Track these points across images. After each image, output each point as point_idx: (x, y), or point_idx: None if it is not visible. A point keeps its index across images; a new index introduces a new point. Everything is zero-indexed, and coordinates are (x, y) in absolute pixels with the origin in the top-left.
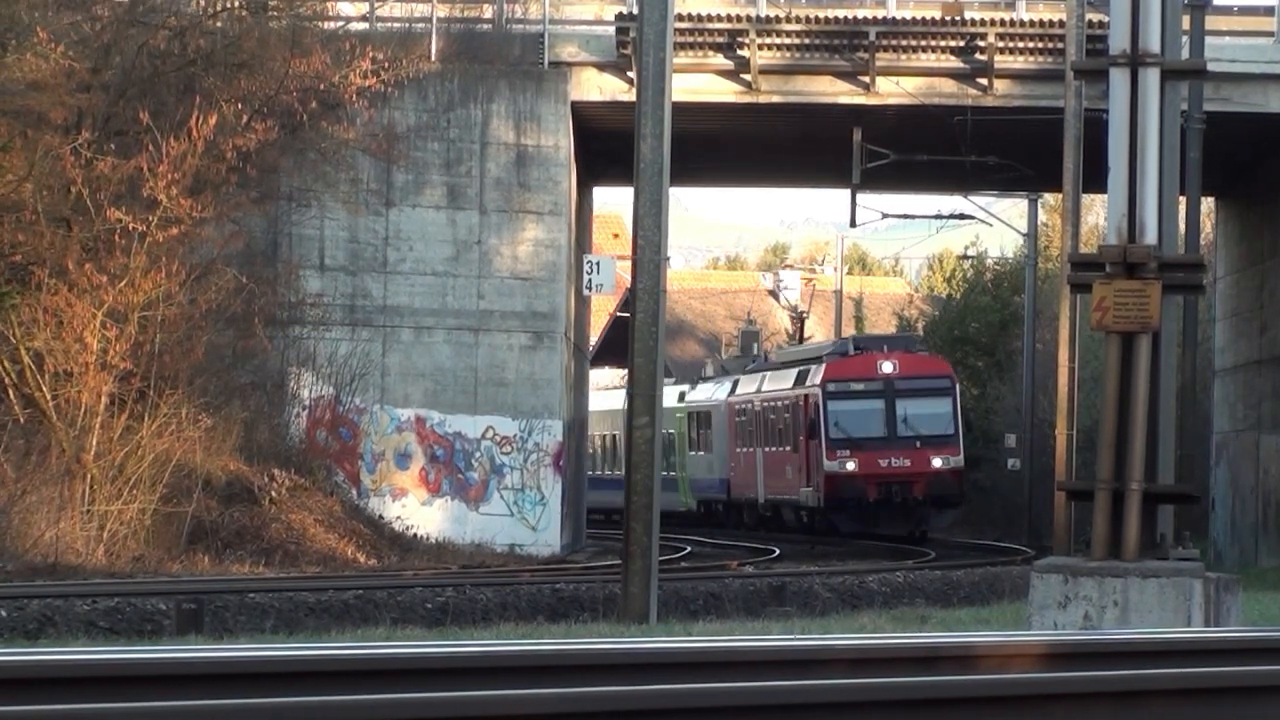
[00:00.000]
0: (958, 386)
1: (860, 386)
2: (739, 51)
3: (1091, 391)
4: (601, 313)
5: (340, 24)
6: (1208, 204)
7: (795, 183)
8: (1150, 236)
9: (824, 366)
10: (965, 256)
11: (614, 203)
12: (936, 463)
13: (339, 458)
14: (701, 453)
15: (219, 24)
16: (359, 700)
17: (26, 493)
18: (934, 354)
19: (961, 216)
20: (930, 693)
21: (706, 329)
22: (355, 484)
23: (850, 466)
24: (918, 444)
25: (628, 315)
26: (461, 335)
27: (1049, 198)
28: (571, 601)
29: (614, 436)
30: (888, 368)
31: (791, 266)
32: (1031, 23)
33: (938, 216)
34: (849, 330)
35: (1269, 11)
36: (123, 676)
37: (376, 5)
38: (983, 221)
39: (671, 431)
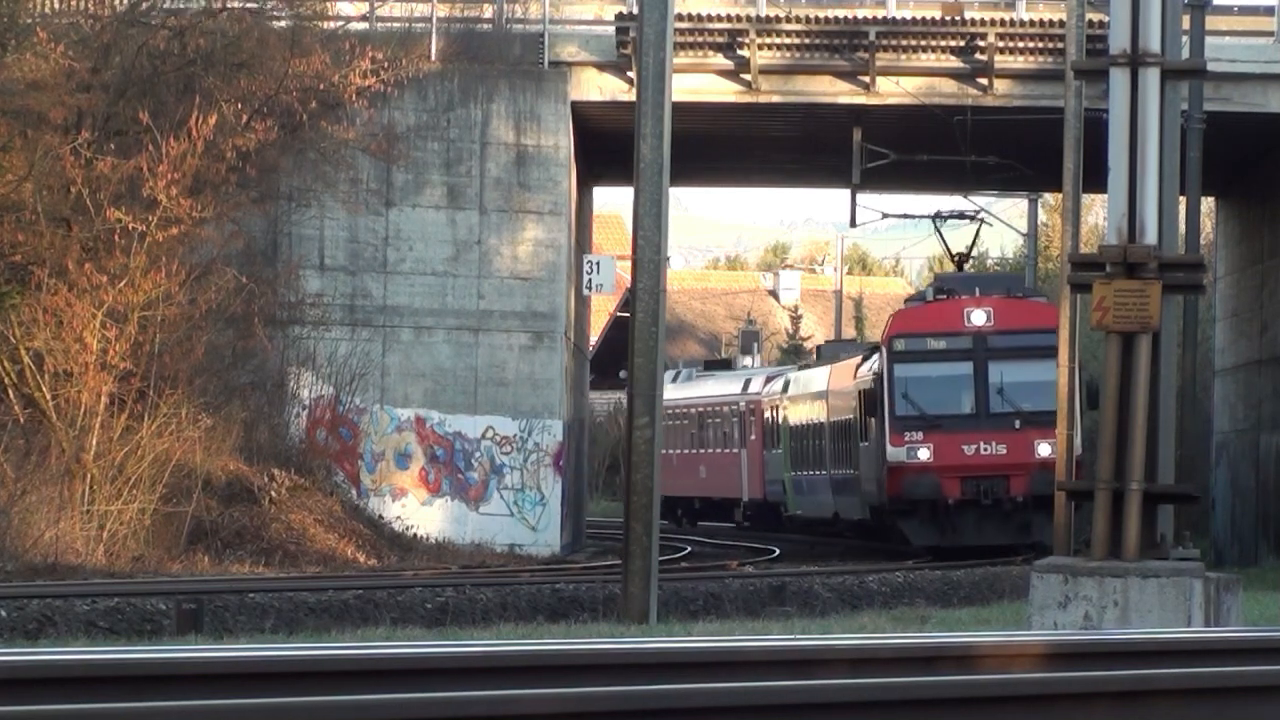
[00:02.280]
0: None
1: (940, 344)
2: (739, 51)
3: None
4: (601, 313)
5: (340, 24)
6: (1208, 204)
7: (795, 183)
8: (1150, 236)
9: (892, 319)
10: (963, 257)
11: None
12: (1044, 450)
13: (339, 458)
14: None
15: (219, 24)
16: (359, 700)
17: (26, 493)
18: (1044, 299)
19: (961, 216)
20: (930, 693)
21: (706, 329)
22: (355, 484)
23: (923, 455)
24: (1017, 424)
25: (628, 315)
26: (461, 335)
27: (1049, 198)
28: (571, 601)
29: (825, 424)
30: (979, 318)
31: (791, 266)
32: (1031, 23)
33: (938, 216)
34: (849, 333)
35: (1269, 11)
36: (123, 676)
37: (376, 5)
38: (983, 221)
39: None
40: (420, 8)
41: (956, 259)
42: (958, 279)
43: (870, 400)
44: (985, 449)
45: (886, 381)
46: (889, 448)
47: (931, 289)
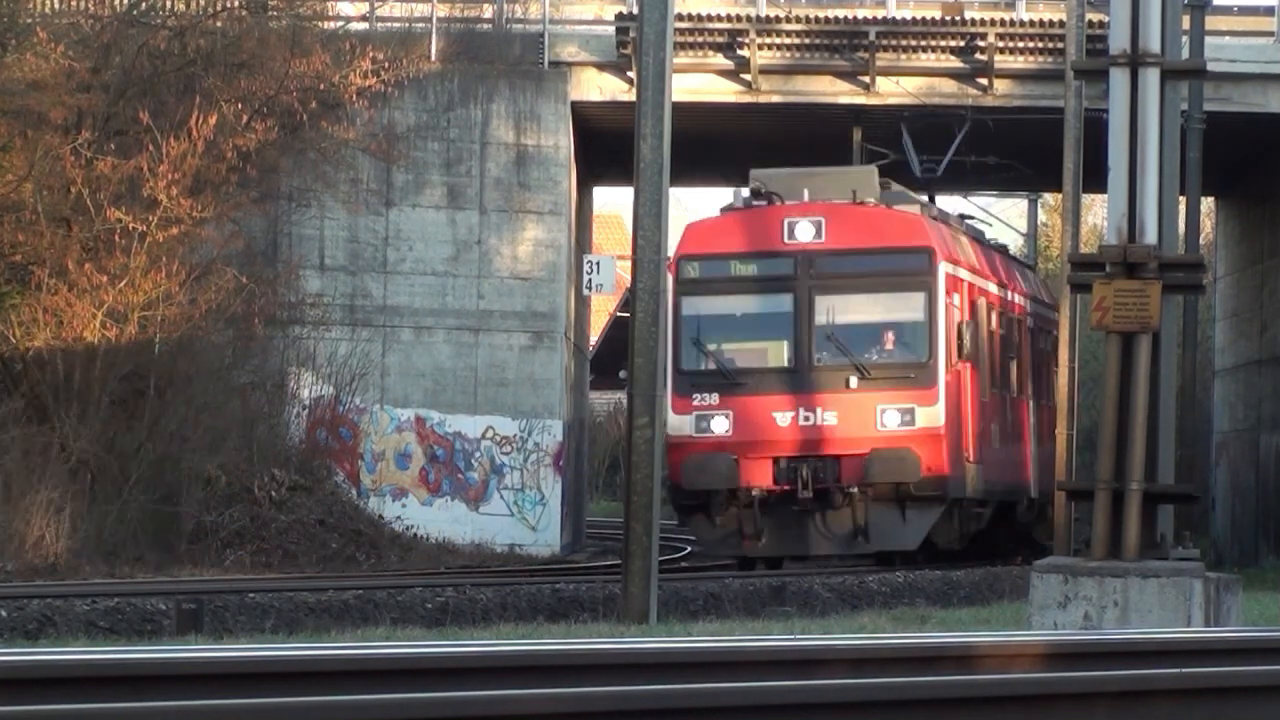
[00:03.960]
0: (956, 269)
1: (748, 269)
2: (739, 51)
3: (1091, 391)
4: (601, 313)
5: (340, 24)
6: (1208, 204)
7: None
8: (1150, 236)
9: (684, 234)
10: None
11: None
12: (893, 420)
13: (339, 458)
14: None
15: (219, 24)
16: (359, 700)
17: (26, 492)
18: (915, 205)
19: (961, 216)
20: (930, 693)
21: None
22: (355, 484)
23: (718, 427)
24: (853, 381)
25: (627, 315)
26: (462, 335)
27: (1049, 198)
28: (571, 601)
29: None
30: (806, 232)
31: None
32: (1031, 23)
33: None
34: None
35: (1269, 11)
36: (123, 676)
37: (376, 5)
38: (983, 221)
39: None
40: (420, 8)
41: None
42: (780, 176)
43: None
44: (808, 418)
45: (671, 323)
46: (670, 416)
47: (750, 191)
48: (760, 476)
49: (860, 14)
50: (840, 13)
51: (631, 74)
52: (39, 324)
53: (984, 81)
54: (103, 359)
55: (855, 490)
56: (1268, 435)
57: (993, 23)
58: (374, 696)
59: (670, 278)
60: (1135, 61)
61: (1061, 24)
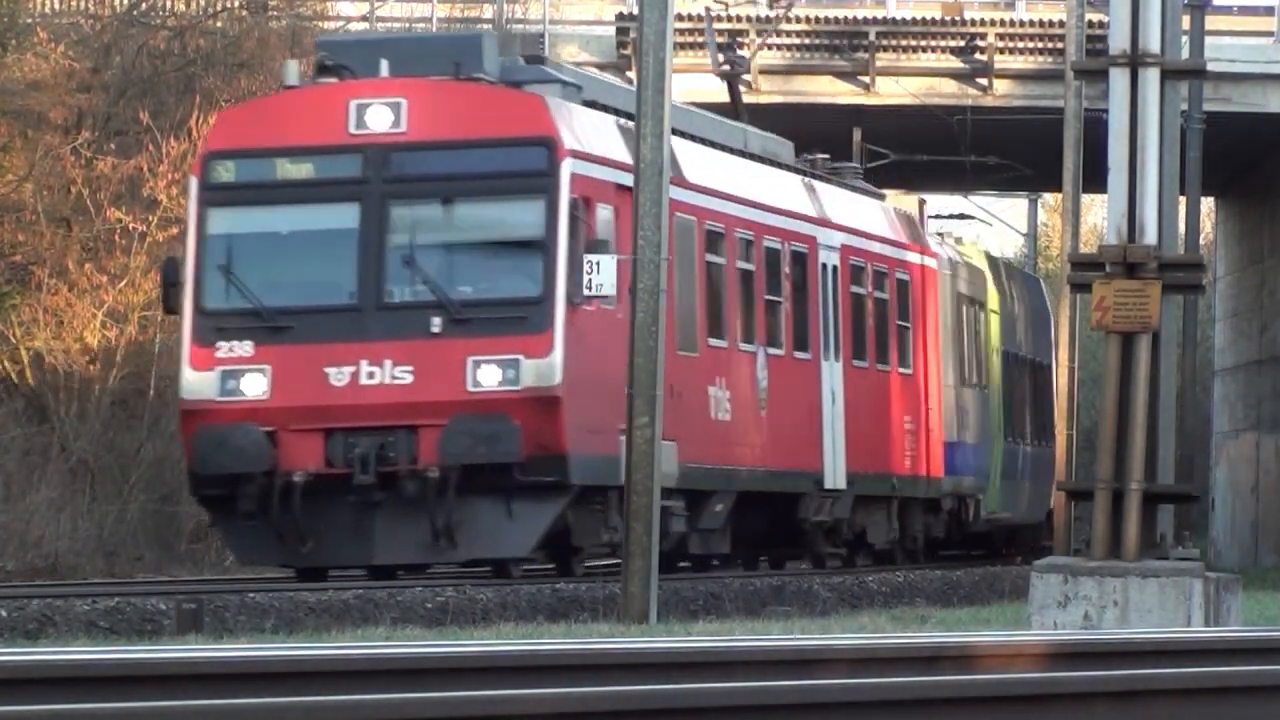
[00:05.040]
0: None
1: (300, 170)
2: (739, 51)
3: (1091, 391)
4: None
5: (340, 24)
6: (1208, 204)
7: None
8: (1150, 236)
9: (214, 123)
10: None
11: None
12: (490, 378)
13: None
14: None
15: (219, 24)
16: (359, 700)
17: (26, 493)
18: (553, 85)
19: (961, 216)
20: (930, 693)
21: None
22: None
23: (251, 388)
24: (437, 325)
25: None
26: None
27: (1049, 198)
28: (571, 601)
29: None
30: (381, 119)
31: None
32: (1031, 23)
33: (936, 217)
34: None
35: (1269, 11)
36: (123, 676)
37: (376, 5)
38: (983, 221)
39: None
40: (420, 8)
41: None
42: (354, 44)
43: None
44: (374, 375)
45: (193, 244)
46: (186, 372)
47: (318, 62)
48: (306, 456)
49: (860, 14)
50: (840, 13)
51: (631, 74)
52: (39, 324)
53: (984, 81)
54: (103, 359)
55: (435, 474)
56: (1268, 435)
57: (993, 23)
58: (374, 696)
59: (195, 182)
60: (1135, 61)
61: (1061, 24)
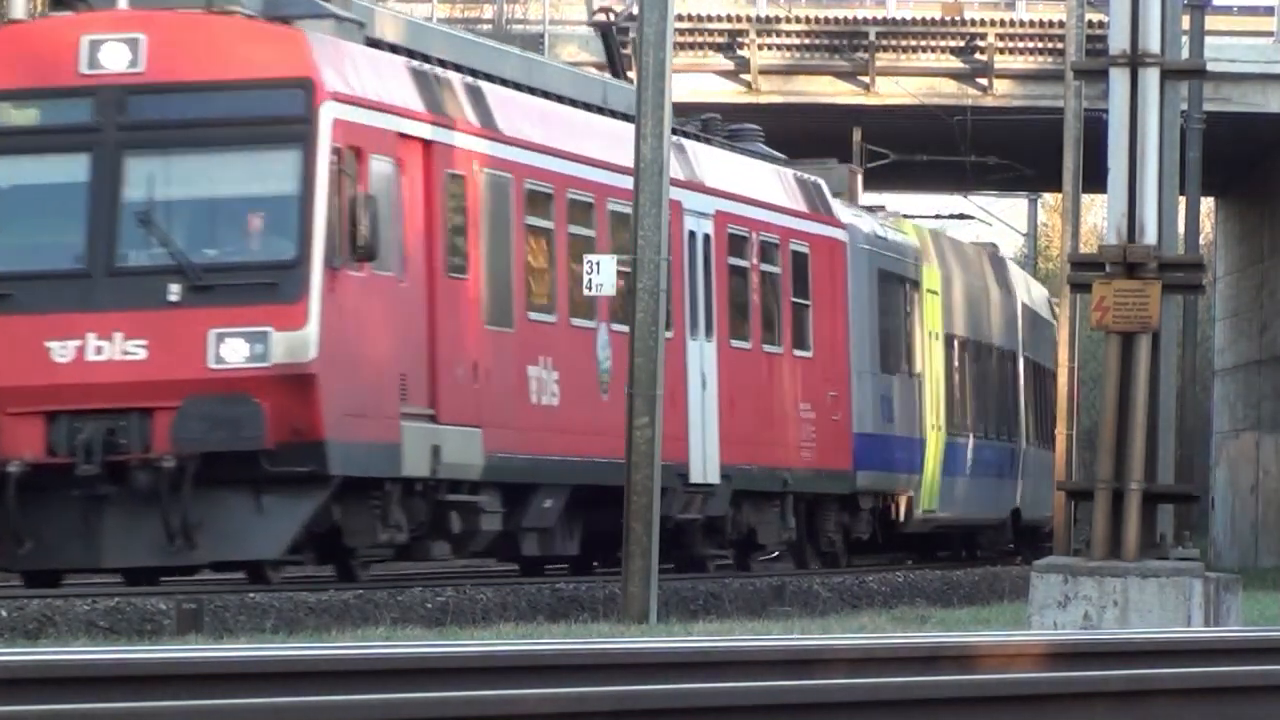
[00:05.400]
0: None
1: (23, 116)
2: (739, 51)
3: (1091, 391)
4: None
5: None
6: (1208, 204)
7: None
8: (1150, 236)
9: None
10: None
11: None
12: (236, 353)
13: None
14: None
15: None
16: (359, 700)
17: None
18: (321, 23)
19: (961, 216)
20: (930, 693)
21: None
22: None
23: None
24: (175, 293)
25: None
26: None
27: (1049, 198)
28: (571, 601)
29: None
30: (117, 57)
31: None
32: (1031, 23)
33: (936, 217)
34: None
35: (1269, 11)
36: (123, 676)
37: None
38: (982, 221)
39: None
40: (420, 8)
41: None
42: None
43: None
44: (103, 350)
45: None
46: None
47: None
48: (24, 442)
49: (860, 14)
50: (840, 13)
51: (631, 74)
52: None
53: (984, 81)
54: None
55: (170, 464)
56: (1268, 435)
57: (993, 23)
58: (374, 696)
59: None
60: (1135, 62)
61: (1061, 24)
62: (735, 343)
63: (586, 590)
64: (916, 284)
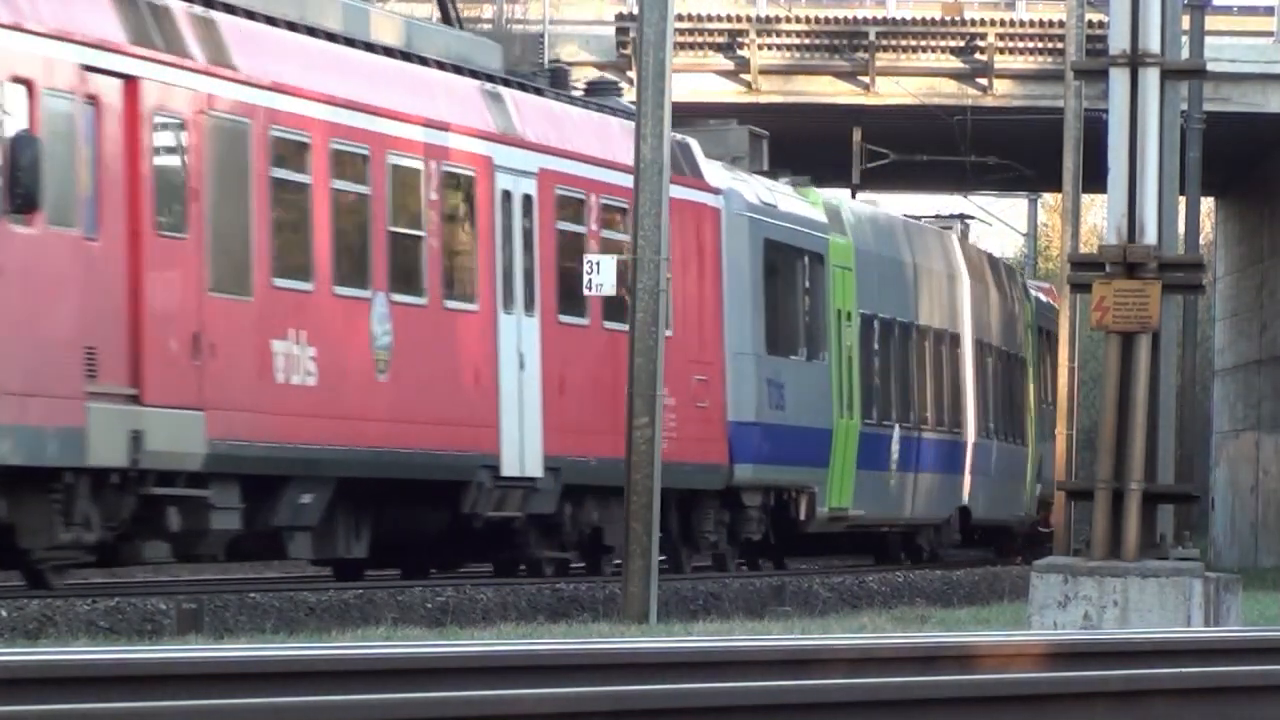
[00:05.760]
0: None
1: None
2: (739, 51)
3: (1091, 391)
4: None
5: None
6: (1208, 204)
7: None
8: (1150, 236)
9: None
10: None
11: None
12: None
13: None
14: None
15: None
16: (359, 700)
17: None
18: None
19: (961, 216)
20: (930, 693)
21: None
22: None
23: None
24: None
25: None
26: None
27: (1049, 198)
28: (571, 601)
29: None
30: None
31: None
32: (1031, 23)
33: (936, 217)
34: None
35: (1269, 11)
36: (123, 676)
37: (376, 5)
38: (983, 221)
39: None
40: (420, 8)
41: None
42: None
43: None
44: None
45: None
46: None
47: None
48: None
49: (860, 14)
50: (840, 13)
51: (631, 74)
52: None
53: (984, 81)
54: None
55: None
56: (1268, 435)
57: (993, 23)
58: (374, 696)
59: None
60: (1135, 62)
61: (1061, 24)
62: (567, 318)
63: (586, 590)
64: (820, 258)
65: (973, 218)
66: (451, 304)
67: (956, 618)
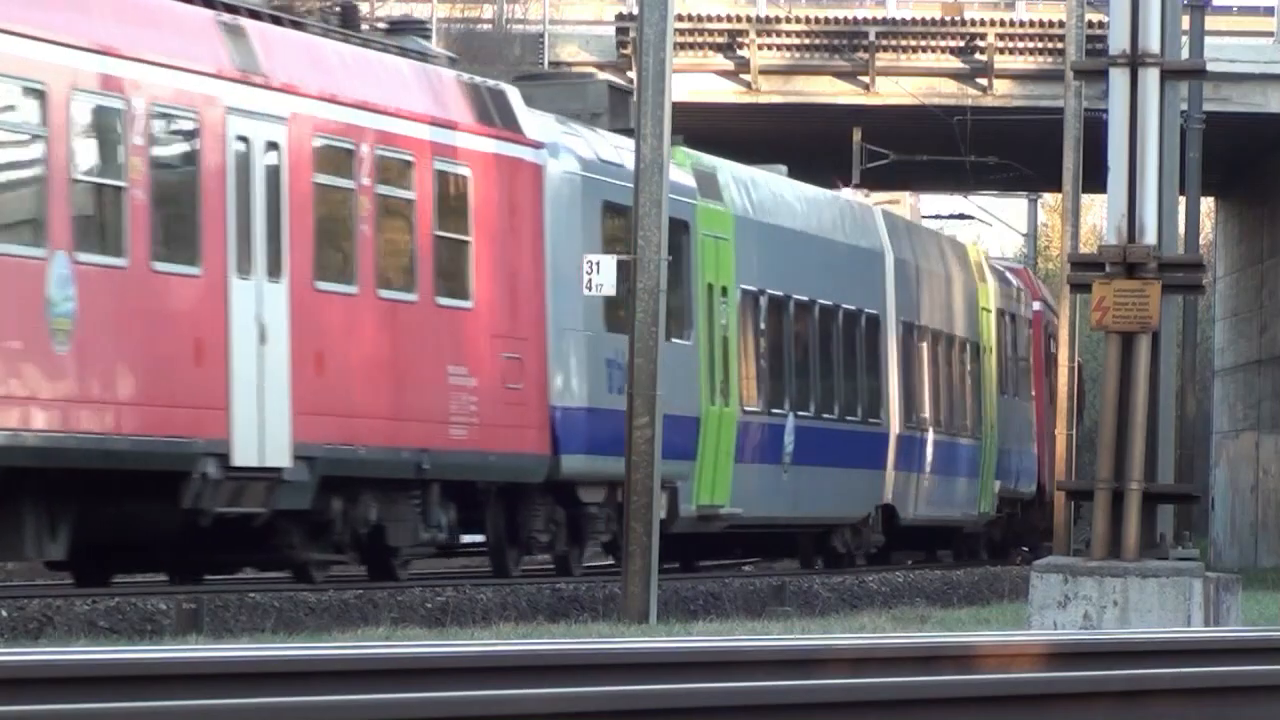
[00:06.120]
0: None
1: None
2: (739, 52)
3: (1091, 391)
4: None
5: None
6: (1208, 204)
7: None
8: (1150, 236)
9: None
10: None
11: None
12: None
13: None
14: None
15: None
16: (359, 700)
17: None
18: None
19: (961, 216)
20: (930, 693)
21: None
22: None
23: None
24: None
25: None
26: None
27: (1049, 198)
28: (571, 601)
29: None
30: None
31: None
32: (1031, 23)
33: (936, 217)
34: None
35: (1269, 11)
36: (123, 676)
37: (376, 5)
38: (982, 221)
39: None
40: (420, 8)
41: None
42: None
43: None
44: None
45: None
46: None
47: None
48: None
49: (860, 14)
50: (840, 13)
51: (631, 74)
52: None
53: (984, 81)
54: None
55: None
56: (1268, 435)
57: (993, 23)
58: (374, 696)
59: None
60: (1135, 62)
61: (1061, 24)
62: (325, 285)
63: (586, 590)
64: (686, 225)
65: (972, 218)
66: (162, 266)
67: (956, 618)
